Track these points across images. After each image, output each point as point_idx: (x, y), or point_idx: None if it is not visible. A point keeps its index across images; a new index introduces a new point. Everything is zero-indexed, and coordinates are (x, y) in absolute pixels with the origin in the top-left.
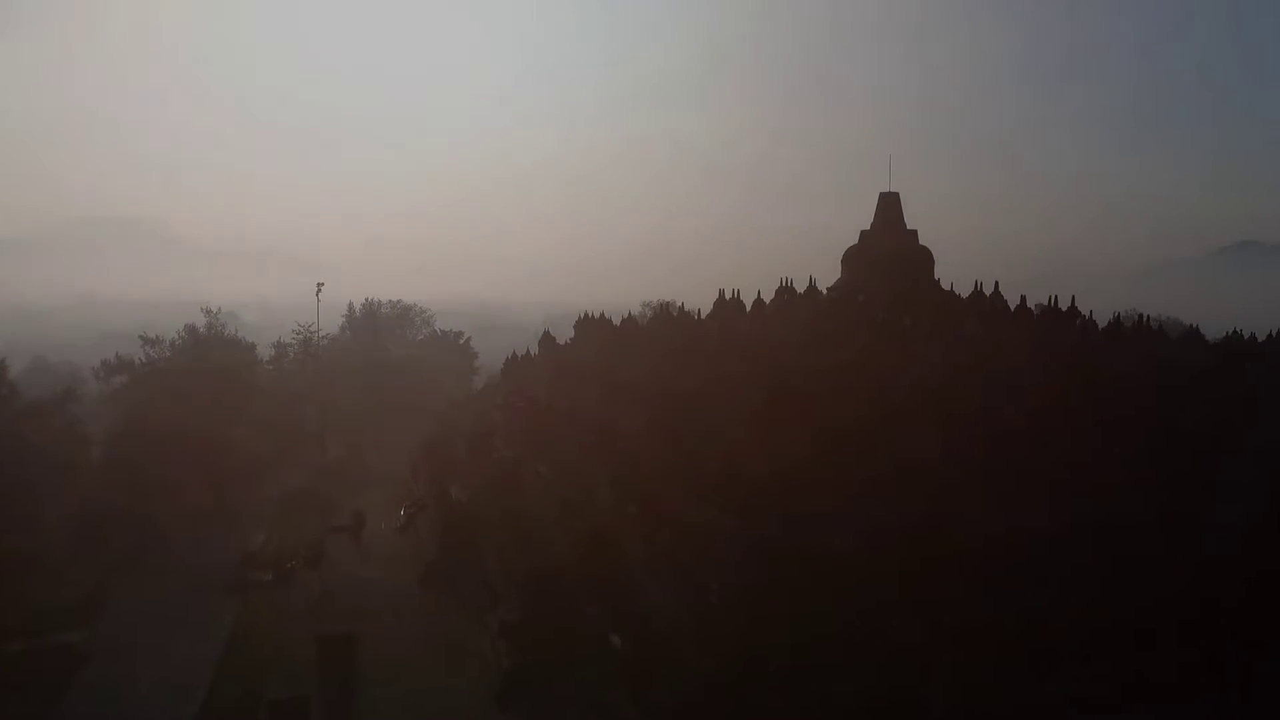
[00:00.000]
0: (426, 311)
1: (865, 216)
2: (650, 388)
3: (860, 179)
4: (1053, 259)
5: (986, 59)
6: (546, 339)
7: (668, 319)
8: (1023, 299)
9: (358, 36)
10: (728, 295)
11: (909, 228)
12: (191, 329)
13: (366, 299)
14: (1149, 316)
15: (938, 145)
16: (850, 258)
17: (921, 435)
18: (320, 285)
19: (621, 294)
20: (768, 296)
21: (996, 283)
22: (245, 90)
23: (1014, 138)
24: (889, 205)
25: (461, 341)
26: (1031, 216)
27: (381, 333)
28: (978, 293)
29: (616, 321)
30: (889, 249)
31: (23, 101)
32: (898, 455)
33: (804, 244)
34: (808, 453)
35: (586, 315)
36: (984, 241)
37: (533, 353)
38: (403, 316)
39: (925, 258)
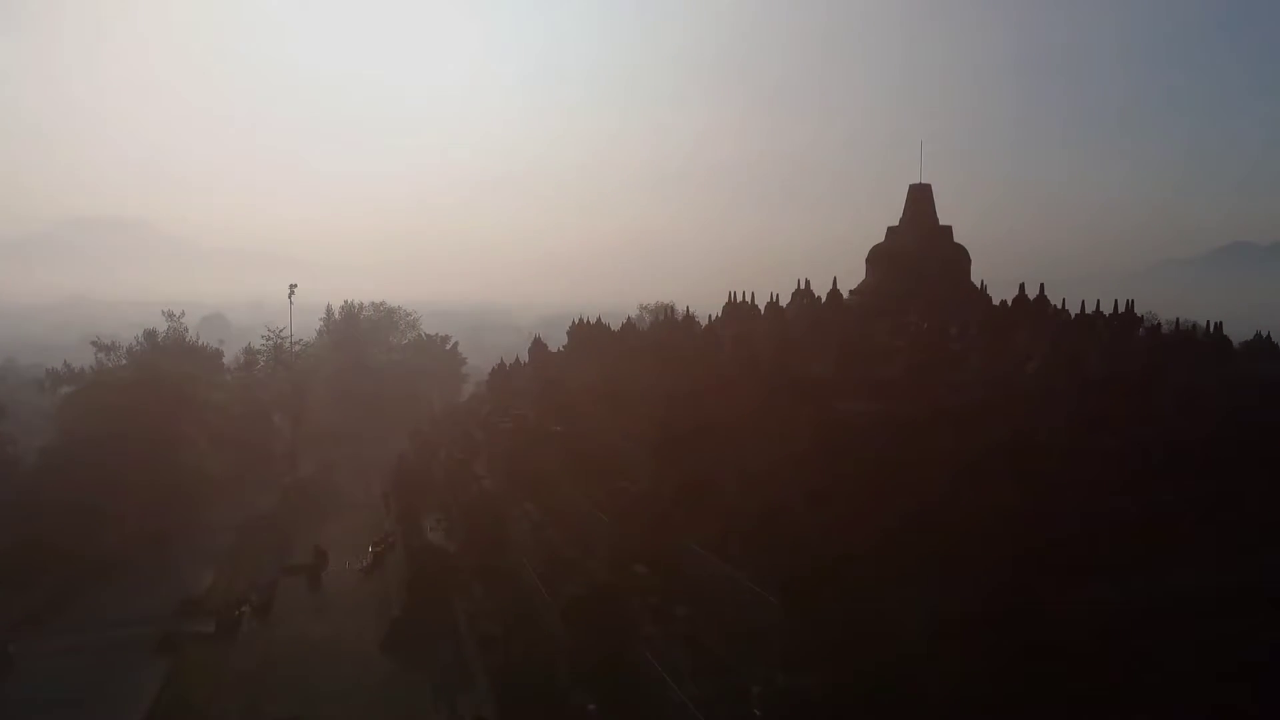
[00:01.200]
0: (412, 314)
1: (870, 215)
2: (656, 408)
3: (860, 176)
4: (1048, 260)
5: (975, 60)
6: (537, 346)
7: (672, 325)
8: (1083, 304)
9: (354, 37)
10: (737, 298)
11: (942, 224)
12: (151, 334)
13: (346, 301)
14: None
15: (931, 147)
16: (877, 257)
17: (1009, 488)
18: (293, 286)
19: (618, 295)
20: (781, 298)
21: (1042, 285)
22: (242, 91)
23: (1008, 140)
24: (920, 199)
25: (449, 347)
26: (1024, 219)
27: (363, 337)
28: (1021, 297)
29: (614, 325)
30: (921, 248)
31: (18, 101)
32: (991, 527)
33: (811, 243)
34: (866, 512)
35: (581, 321)
36: (980, 243)
37: (523, 360)
38: (386, 319)
39: (961, 258)
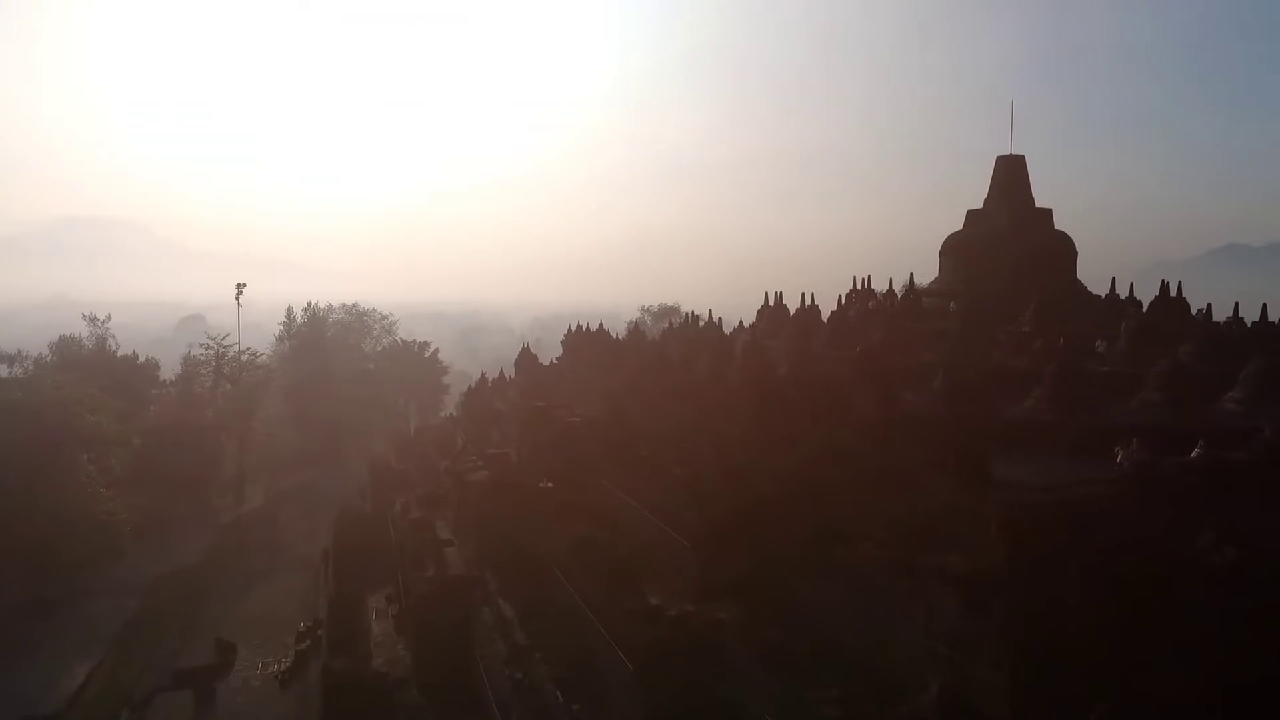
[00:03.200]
0: (388, 317)
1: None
2: (689, 462)
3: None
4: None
5: (972, 60)
6: (524, 360)
7: (691, 332)
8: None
9: (349, 38)
10: (771, 300)
11: (1039, 206)
12: (68, 341)
13: (309, 303)
14: None
15: (932, 145)
16: (957, 249)
17: None
18: (241, 286)
19: (616, 296)
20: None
21: (1166, 284)
22: (238, 92)
23: (1004, 143)
24: (1010, 174)
25: (428, 354)
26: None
27: (328, 344)
28: (1131, 298)
29: (613, 328)
30: (1016, 236)
31: (13, 100)
32: None
33: (811, 245)
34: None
35: (579, 327)
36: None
37: (509, 373)
38: (357, 323)
39: (1065, 248)
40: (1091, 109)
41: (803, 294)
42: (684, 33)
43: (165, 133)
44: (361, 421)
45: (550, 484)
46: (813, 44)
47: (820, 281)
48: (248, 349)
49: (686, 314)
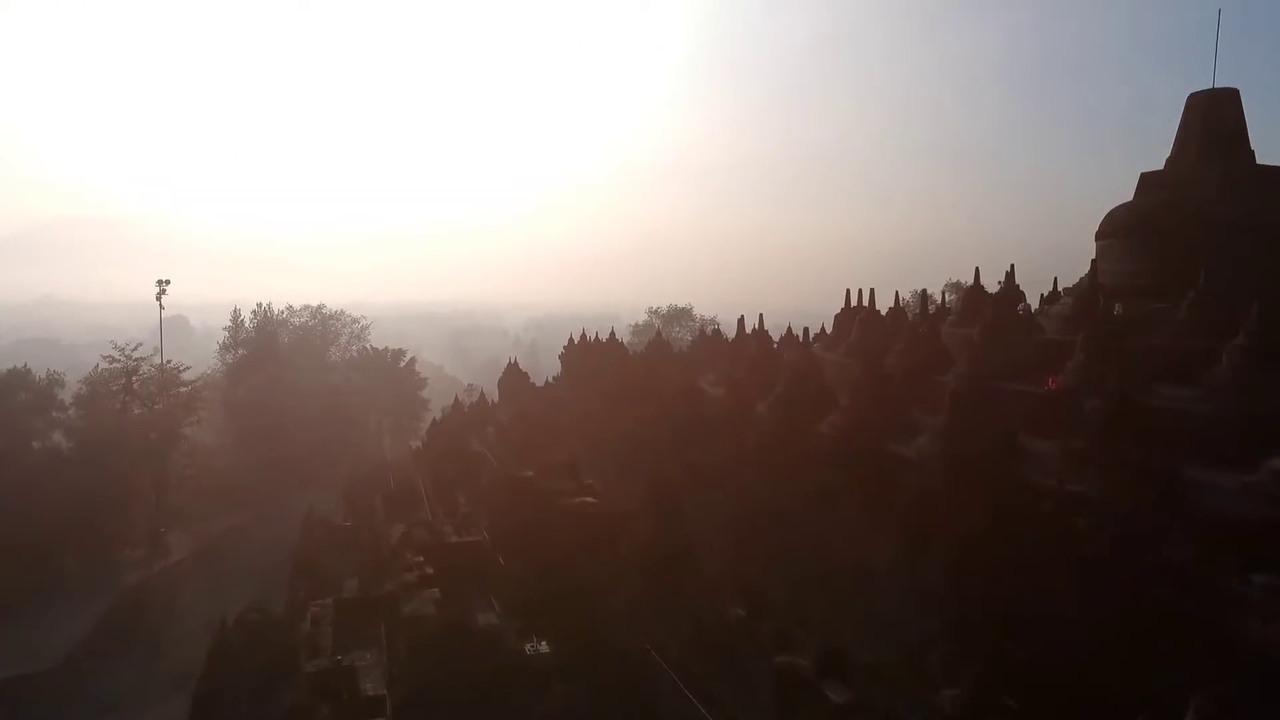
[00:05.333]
0: (359, 320)
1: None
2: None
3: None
4: (1044, 256)
5: (967, 58)
6: (511, 379)
7: (737, 349)
8: None
9: (348, 38)
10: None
11: (1260, 162)
12: None
13: (259, 304)
14: None
15: (929, 144)
16: (1132, 222)
17: None
18: (163, 284)
19: (614, 296)
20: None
21: None
22: (233, 92)
23: (1004, 139)
24: (1216, 115)
25: (404, 363)
26: (1019, 219)
27: (284, 353)
28: None
29: (610, 331)
30: (1229, 205)
31: (9, 100)
32: None
33: (816, 244)
34: None
35: (581, 337)
36: (977, 241)
37: (490, 399)
38: (323, 327)
39: None
40: (1086, 105)
41: (863, 290)
42: (683, 33)
43: (165, 133)
44: (324, 446)
45: (544, 645)
46: (809, 45)
47: (822, 284)
48: (170, 361)
49: (691, 315)
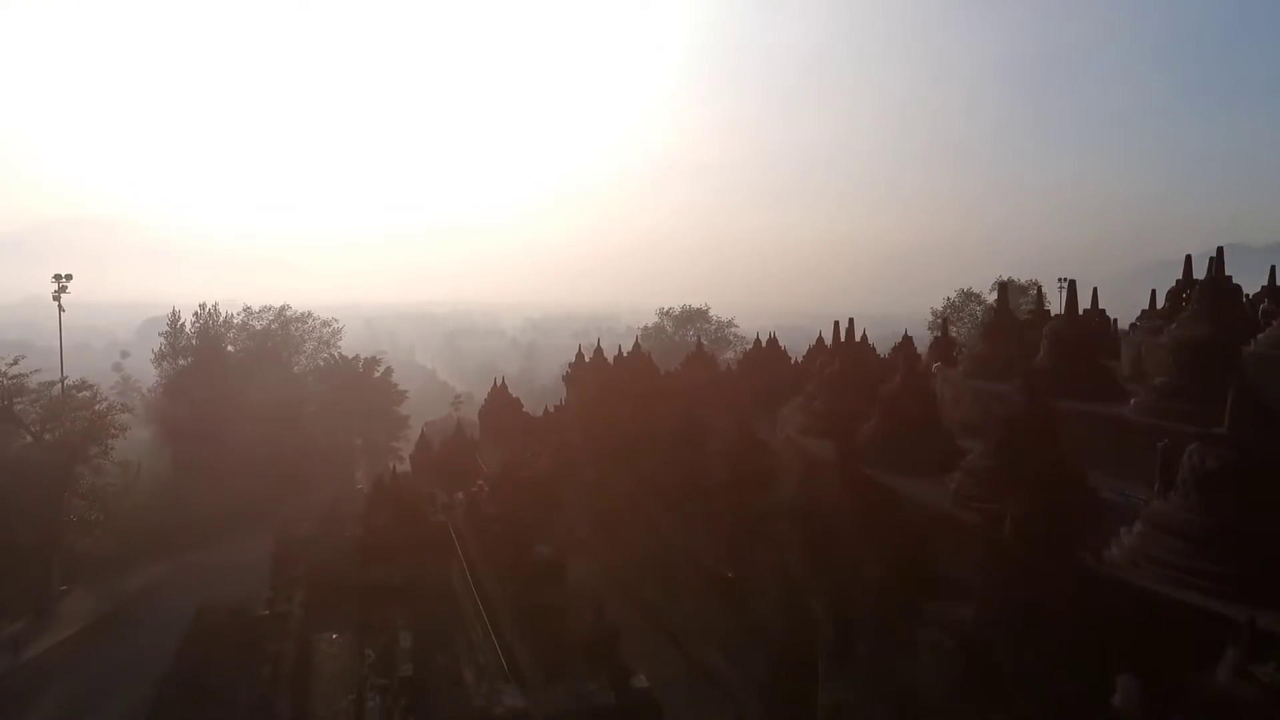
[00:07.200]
0: (332, 322)
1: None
2: None
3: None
4: (1041, 262)
5: (965, 60)
6: (496, 404)
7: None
8: None
9: (344, 39)
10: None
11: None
12: None
13: (202, 304)
14: None
15: (930, 147)
16: None
17: None
18: (63, 278)
19: (613, 296)
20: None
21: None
22: (233, 92)
23: (1001, 142)
24: None
25: (378, 374)
26: (1018, 219)
27: (230, 363)
28: None
29: (615, 330)
30: None
31: (9, 100)
32: None
33: (820, 244)
34: None
35: (596, 353)
36: (978, 242)
37: (465, 433)
38: (285, 332)
39: None
40: (1085, 107)
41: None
42: (683, 33)
43: (163, 133)
44: (280, 478)
45: None
46: (808, 47)
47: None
48: (66, 377)
49: (707, 315)
